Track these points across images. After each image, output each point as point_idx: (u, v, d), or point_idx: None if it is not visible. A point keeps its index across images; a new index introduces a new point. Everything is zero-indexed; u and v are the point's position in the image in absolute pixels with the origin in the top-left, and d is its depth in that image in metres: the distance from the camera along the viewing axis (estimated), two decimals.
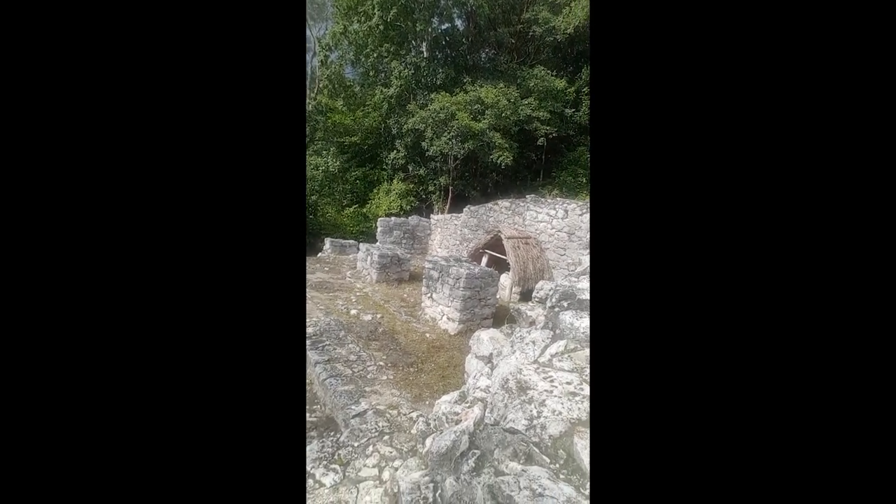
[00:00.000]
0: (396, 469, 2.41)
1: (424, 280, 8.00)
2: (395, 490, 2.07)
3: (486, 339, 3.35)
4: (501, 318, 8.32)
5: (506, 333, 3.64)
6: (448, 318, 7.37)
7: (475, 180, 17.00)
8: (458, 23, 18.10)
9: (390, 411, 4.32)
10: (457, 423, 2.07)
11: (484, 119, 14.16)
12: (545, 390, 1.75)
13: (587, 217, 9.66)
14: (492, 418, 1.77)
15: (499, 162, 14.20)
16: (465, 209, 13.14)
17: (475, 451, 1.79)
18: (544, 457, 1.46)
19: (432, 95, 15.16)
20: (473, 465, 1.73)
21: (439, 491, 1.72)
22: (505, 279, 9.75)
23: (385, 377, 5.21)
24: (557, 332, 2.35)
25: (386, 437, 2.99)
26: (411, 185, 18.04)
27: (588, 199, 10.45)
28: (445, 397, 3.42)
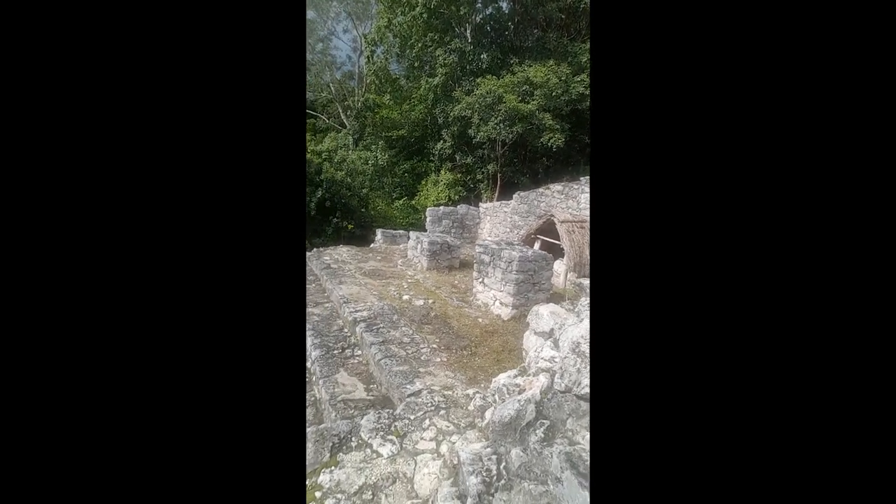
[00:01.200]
0: (454, 442, 2.30)
1: (476, 265, 7.85)
2: (455, 462, 1.95)
3: (545, 313, 3.14)
4: (557, 301, 7.98)
5: (567, 308, 3.40)
6: (501, 303, 7.17)
7: (524, 166, 16.51)
8: (504, 4, 17.57)
9: (446, 392, 4.25)
10: (520, 394, 1.91)
11: (533, 100, 13.63)
12: None
13: None
14: (562, 384, 1.59)
15: (550, 144, 13.63)
16: (514, 195, 12.79)
17: (543, 420, 1.62)
18: None
19: (478, 80, 14.85)
20: (543, 434, 1.56)
21: (504, 463, 1.57)
22: (559, 265, 9.33)
23: (439, 359, 5.15)
24: None
25: (442, 412, 2.89)
26: (459, 175, 17.91)
27: None
28: (503, 375, 3.27)
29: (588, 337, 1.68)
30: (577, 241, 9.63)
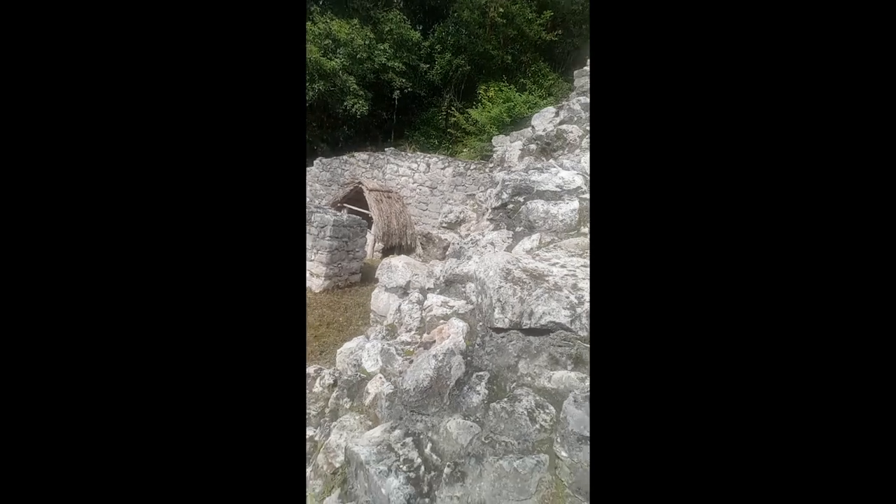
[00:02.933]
0: (325, 440, 1.68)
1: None
2: (342, 469, 1.37)
3: (399, 265, 2.73)
4: (368, 275, 7.66)
5: (423, 259, 3.08)
6: (311, 274, 6.32)
7: (324, 132, 15.27)
8: None
9: None
10: (425, 349, 1.46)
11: (336, 58, 12.57)
12: (567, 275, 1.31)
13: (449, 171, 9.68)
14: (505, 320, 1.24)
15: (354, 111, 12.95)
16: (316, 161, 11.63)
17: (479, 372, 1.24)
18: None
19: None
20: (487, 390, 1.18)
21: (429, 445, 1.13)
22: (367, 235, 9.04)
23: None
24: (520, 228, 1.95)
25: None
26: None
27: (452, 158, 10.47)
28: (349, 344, 2.71)
29: (514, 263, 1.37)
30: (384, 210, 9.52)
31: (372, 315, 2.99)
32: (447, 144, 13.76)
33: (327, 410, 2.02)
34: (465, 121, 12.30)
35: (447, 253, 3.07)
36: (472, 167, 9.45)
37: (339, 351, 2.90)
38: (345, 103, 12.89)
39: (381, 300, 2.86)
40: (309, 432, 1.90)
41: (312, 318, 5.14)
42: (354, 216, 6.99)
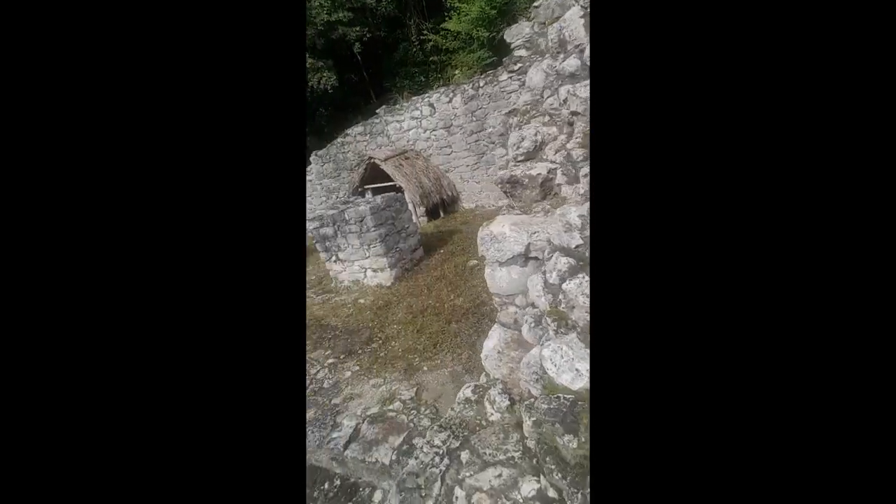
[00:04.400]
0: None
1: (317, 245, 6.06)
2: None
3: (506, 231, 1.99)
4: (429, 244, 7.02)
5: (523, 210, 2.28)
6: (374, 271, 5.76)
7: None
8: None
9: (400, 410, 2.82)
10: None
11: None
12: None
13: (457, 100, 8.51)
14: None
15: (322, 86, 11.76)
16: (311, 157, 10.80)
17: None
18: None
19: None
20: None
21: None
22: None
23: (350, 373, 3.57)
24: None
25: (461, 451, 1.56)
26: None
27: (452, 85, 9.16)
28: (489, 342, 2.08)
29: None
30: (409, 173, 8.67)
31: (496, 300, 2.28)
32: (436, 75, 12.27)
33: (537, 450, 1.39)
34: (444, 39, 10.76)
35: (553, 191, 2.25)
36: (481, 83, 8.18)
37: (483, 356, 2.28)
38: (309, 83, 11.69)
39: (499, 279, 2.12)
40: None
41: (401, 315, 4.63)
42: (387, 193, 6.23)
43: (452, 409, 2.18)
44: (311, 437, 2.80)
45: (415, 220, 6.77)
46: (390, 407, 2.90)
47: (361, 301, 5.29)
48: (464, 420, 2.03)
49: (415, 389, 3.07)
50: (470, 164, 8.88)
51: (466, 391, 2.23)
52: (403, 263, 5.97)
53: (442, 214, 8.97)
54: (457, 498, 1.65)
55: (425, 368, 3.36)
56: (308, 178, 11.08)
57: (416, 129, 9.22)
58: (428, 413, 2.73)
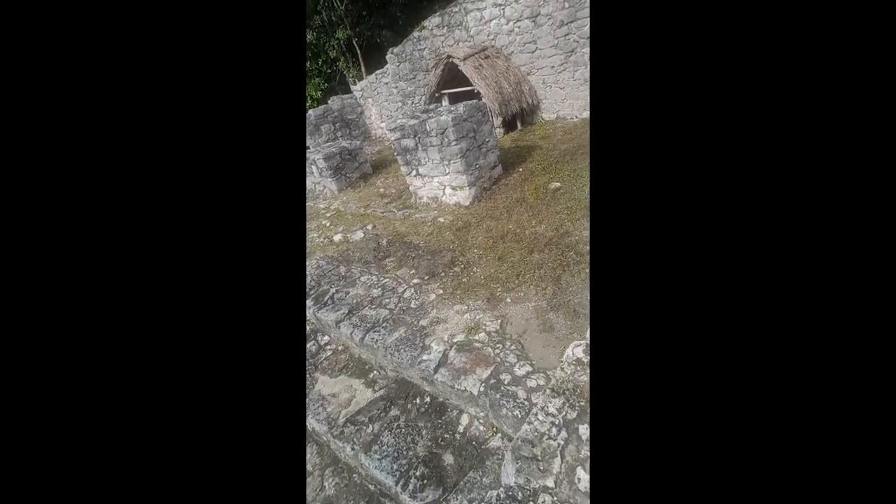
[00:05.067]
0: None
1: (399, 158, 5.98)
2: None
3: None
4: (507, 161, 6.61)
5: None
6: (453, 188, 5.64)
7: (378, 17, 13.20)
8: None
9: (486, 342, 2.93)
10: None
11: None
12: None
13: None
14: None
15: None
16: (388, 56, 10.15)
17: None
18: None
19: None
20: None
21: None
22: None
23: (434, 296, 3.73)
24: None
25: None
26: (307, 64, 14.11)
27: None
28: None
29: None
30: (489, 76, 7.86)
31: None
32: None
33: None
34: None
35: None
36: None
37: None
38: None
39: None
40: None
41: (482, 236, 4.58)
42: (468, 102, 5.76)
43: (563, 369, 2.14)
44: (403, 355, 3.06)
45: (494, 133, 6.31)
46: (476, 337, 3.02)
47: (441, 220, 5.31)
48: (577, 385, 1.98)
49: (499, 322, 3.14)
50: (555, 65, 7.76)
51: (577, 350, 2.14)
52: (482, 182, 5.75)
53: (519, 126, 8.25)
54: (579, 479, 1.64)
55: (508, 300, 3.38)
56: (384, 80, 10.59)
57: (498, 18, 8.06)
58: (514, 349, 2.81)
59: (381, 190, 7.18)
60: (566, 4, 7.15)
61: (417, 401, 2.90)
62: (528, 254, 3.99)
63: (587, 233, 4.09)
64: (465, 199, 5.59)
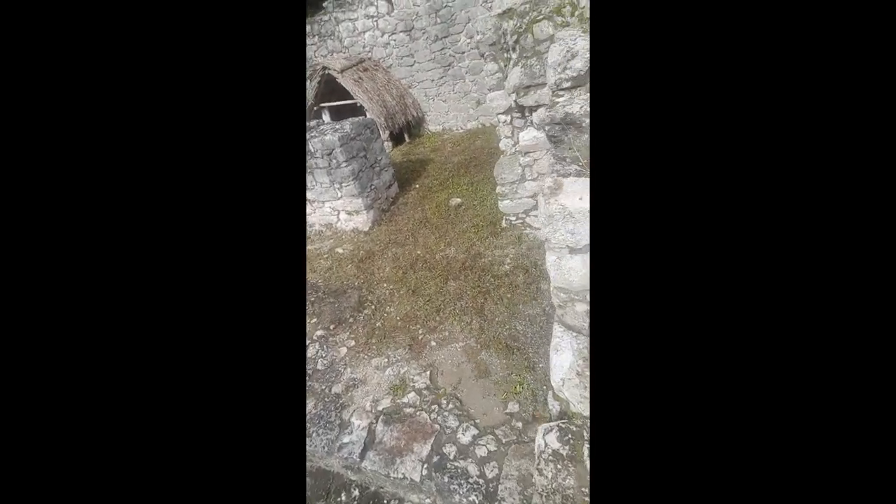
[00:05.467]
0: None
1: None
2: None
3: (587, 204, 1.44)
4: (403, 176, 6.23)
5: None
6: (348, 214, 5.06)
7: None
8: None
9: (417, 404, 2.49)
10: None
11: None
12: None
13: None
14: None
15: None
16: None
17: None
18: None
19: None
20: None
21: None
22: None
23: (345, 349, 3.16)
24: None
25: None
26: None
27: None
28: (561, 357, 1.69)
29: None
30: (370, 89, 7.41)
31: (560, 296, 1.76)
32: None
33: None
34: None
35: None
36: None
37: (556, 380, 1.87)
38: None
39: (569, 271, 1.62)
40: None
41: (389, 267, 4.13)
42: (355, 120, 5.25)
43: (540, 472, 1.65)
44: (318, 440, 2.45)
45: (386, 150, 5.91)
46: (405, 399, 2.57)
47: (340, 251, 4.69)
48: (565, 494, 1.52)
49: (428, 373, 2.73)
50: (435, 79, 7.73)
51: (550, 438, 1.65)
52: (380, 203, 5.29)
53: (407, 139, 8.01)
54: None
55: (433, 343, 3.00)
56: None
57: (372, 30, 7.70)
58: (452, 409, 2.43)
59: None
60: (437, 20, 7.12)
61: (343, 497, 2.32)
62: (444, 283, 3.68)
63: (499, 252, 3.94)
64: (363, 223, 5.05)
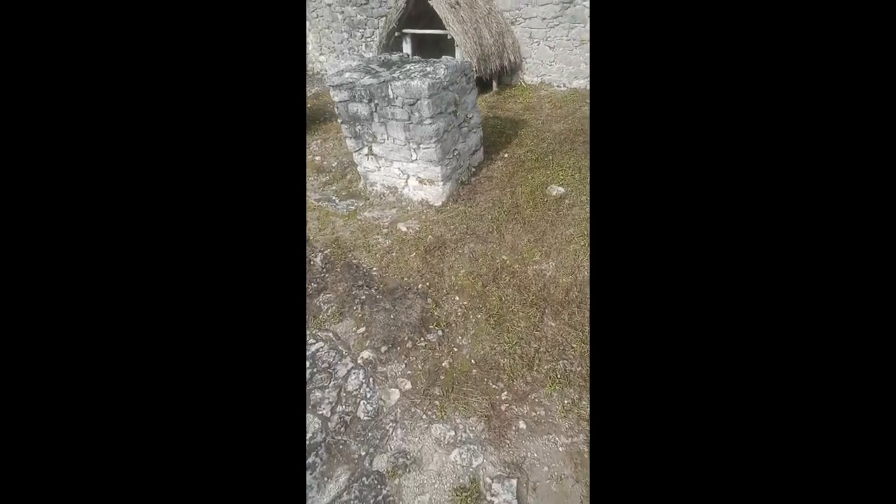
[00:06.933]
0: None
1: (344, 128, 4.18)
2: None
3: None
4: (488, 137, 5.03)
5: None
6: (420, 181, 4.06)
7: None
8: None
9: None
10: None
11: None
12: None
13: None
14: None
15: None
16: None
17: None
18: None
19: None
20: None
21: None
22: None
23: (398, 394, 2.34)
24: None
25: None
26: None
27: None
28: None
29: None
30: (467, 19, 6.00)
31: None
32: None
33: None
34: None
35: None
36: None
37: None
38: None
39: None
40: None
41: (464, 268, 3.18)
42: (450, 60, 4.05)
43: None
44: None
45: (478, 106, 4.70)
46: None
47: (403, 229, 3.78)
48: None
49: (514, 483, 1.86)
50: (547, 17, 6.15)
51: None
52: (459, 173, 4.23)
53: (495, 87, 6.62)
54: None
55: (522, 426, 2.10)
56: (327, 0, 8.11)
57: None
58: None
59: (316, 159, 5.33)
60: None
61: None
62: (540, 318, 2.70)
63: None
64: (435, 197, 4.06)
